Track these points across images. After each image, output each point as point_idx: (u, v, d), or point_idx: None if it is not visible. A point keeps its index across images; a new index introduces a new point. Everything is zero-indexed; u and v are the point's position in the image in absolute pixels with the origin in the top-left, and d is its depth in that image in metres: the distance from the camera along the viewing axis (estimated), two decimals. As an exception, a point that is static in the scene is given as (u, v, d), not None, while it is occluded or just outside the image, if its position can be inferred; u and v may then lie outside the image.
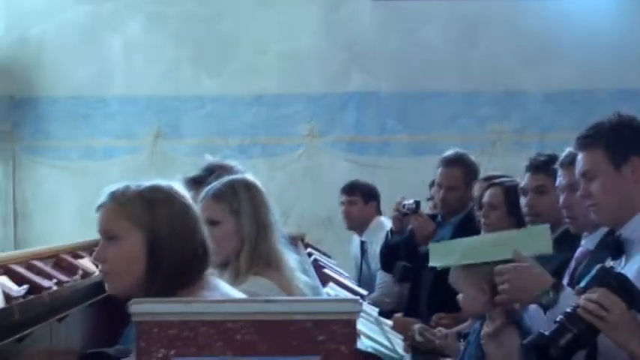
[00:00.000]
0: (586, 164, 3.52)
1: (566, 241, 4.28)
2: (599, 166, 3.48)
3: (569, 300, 3.18)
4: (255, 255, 3.55)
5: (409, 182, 8.76)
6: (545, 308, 3.42)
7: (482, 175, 6.05)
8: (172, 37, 10.30)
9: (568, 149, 3.96)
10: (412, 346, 4.02)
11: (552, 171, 4.25)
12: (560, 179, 4.08)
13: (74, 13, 10.39)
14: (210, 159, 4.60)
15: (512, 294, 3.55)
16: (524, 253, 3.62)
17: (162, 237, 2.74)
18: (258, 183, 3.78)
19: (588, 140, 3.51)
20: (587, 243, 4.04)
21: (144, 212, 2.76)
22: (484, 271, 3.74)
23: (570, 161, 3.85)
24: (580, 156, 3.55)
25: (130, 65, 10.34)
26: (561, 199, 4.05)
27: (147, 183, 2.84)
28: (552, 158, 4.42)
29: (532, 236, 3.82)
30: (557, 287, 3.46)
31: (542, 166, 4.61)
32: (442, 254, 4.02)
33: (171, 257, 2.74)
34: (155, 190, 2.82)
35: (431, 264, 4.05)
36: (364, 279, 7.49)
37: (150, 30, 10.34)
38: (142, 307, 2.18)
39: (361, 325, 2.88)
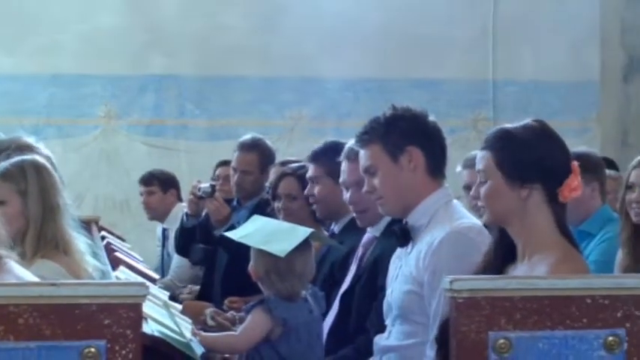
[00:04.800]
0: (366, 160, 3.62)
1: (354, 228, 4.39)
2: (378, 161, 3.58)
3: None
4: (42, 238, 3.52)
5: (207, 166, 8.74)
6: None
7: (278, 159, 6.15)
8: (-35, 12, 9.95)
9: (351, 143, 4.02)
10: (204, 330, 4.04)
11: (323, 161, 4.49)
12: (345, 176, 4.16)
13: None
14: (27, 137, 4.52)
15: None
16: (271, 246, 3.68)
17: None
18: (49, 165, 3.74)
19: (366, 137, 3.62)
20: (373, 230, 4.15)
21: None
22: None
23: (356, 154, 3.90)
24: (361, 153, 3.66)
25: None
26: (348, 195, 4.14)
27: None
28: (328, 147, 4.62)
29: (288, 235, 3.81)
30: None
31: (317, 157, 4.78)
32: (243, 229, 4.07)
33: None
34: None
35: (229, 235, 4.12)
36: (166, 266, 7.48)
37: (-61, 4, 9.95)
38: None
39: (149, 309, 2.88)
